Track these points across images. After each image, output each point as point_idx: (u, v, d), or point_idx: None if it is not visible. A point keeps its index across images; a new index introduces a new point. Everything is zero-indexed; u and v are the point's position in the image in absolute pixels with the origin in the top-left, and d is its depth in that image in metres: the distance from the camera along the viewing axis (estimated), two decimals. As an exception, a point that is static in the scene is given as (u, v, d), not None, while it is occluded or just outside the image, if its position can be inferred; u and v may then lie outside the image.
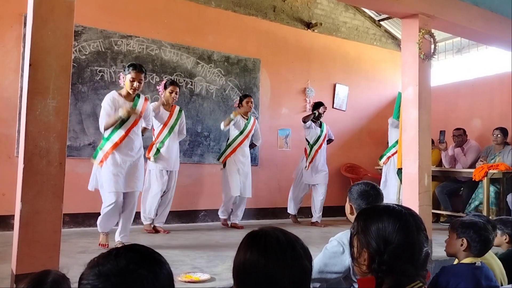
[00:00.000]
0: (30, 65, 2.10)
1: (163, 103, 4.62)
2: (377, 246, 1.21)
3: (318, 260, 2.10)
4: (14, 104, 4.40)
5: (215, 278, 2.85)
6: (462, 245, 2.05)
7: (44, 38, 2.13)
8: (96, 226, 4.75)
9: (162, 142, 4.59)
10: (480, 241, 2.01)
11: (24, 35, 4.27)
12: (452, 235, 2.11)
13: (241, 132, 5.17)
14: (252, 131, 5.30)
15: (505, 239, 2.65)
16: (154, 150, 4.57)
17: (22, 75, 4.23)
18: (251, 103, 5.24)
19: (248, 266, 1.11)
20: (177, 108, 4.78)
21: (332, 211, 6.19)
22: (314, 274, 2.04)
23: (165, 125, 4.61)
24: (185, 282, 2.73)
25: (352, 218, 2.17)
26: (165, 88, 4.63)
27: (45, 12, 2.14)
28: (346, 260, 2.04)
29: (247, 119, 5.24)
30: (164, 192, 4.63)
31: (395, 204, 1.33)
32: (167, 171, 4.63)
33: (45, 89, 2.11)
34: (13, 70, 4.47)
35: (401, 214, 1.25)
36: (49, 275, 1.24)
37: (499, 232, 2.61)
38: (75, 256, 3.27)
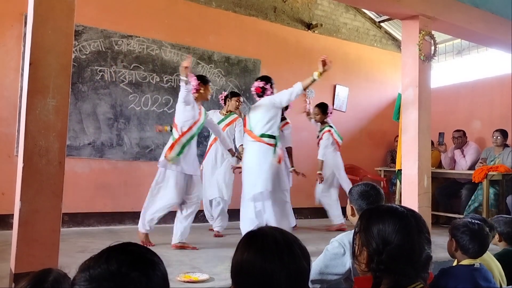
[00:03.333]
0: (30, 64, 2.11)
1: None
2: (376, 245, 1.22)
3: (319, 262, 2.10)
4: (14, 103, 4.40)
5: (214, 278, 2.85)
6: (453, 246, 2.05)
7: (44, 37, 2.13)
8: (96, 225, 4.78)
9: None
10: (471, 241, 2.00)
11: (25, 34, 4.27)
12: (449, 237, 2.12)
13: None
14: (226, 129, 4.84)
15: (497, 238, 2.65)
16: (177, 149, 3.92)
17: (22, 74, 4.23)
18: (240, 103, 4.95)
19: (245, 266, 1.11)
20: (203, 109, 4.21)
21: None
22: (315, 275, 2.05)
23: (195, 123, 4.05)
24: (184, 282, 2.73)
25: (353, 219, 2.17)
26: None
27: (46, 11, 2.14)
28: (347, 261, 2.04)
29: (224, 115, 4.97)
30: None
31: (399, 205, 1.33)
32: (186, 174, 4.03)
33: (45, 88, 2.12)
34: (13, 69, 4.47)
35: (402, 215, 1.25)
36: (50, 274, 1.23)
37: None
38: (74, 255, 3.26)
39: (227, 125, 4.94)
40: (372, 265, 1.23)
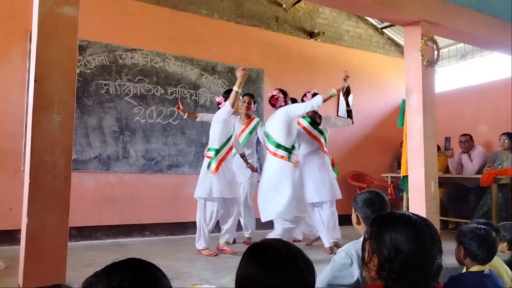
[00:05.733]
0: (35, 80, 2.12)
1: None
2: (388, 253, 1.20)
3: (326, 273, 2.07)
4: (21, 119, 4.44)
5: (222, 290, 2.84)
6: (461, 253, 2.03)
7: (49, 53, 2.15)
8: (103, 239, 4.79)
9: None
10: (479, 248, 1.98)
11: (30, 51, 4.32)
12: (456, 244, 2.09)
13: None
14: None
15: (506, 246, 2.61)
16: None
17: (28, 91, 4.26)
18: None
19: (249, 279, 1.11)
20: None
21: (339, 220, 6.15)
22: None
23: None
24: (192, 294, 2.72)
25: (358, 227, 2.15)
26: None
27: (50, 28, 2.17)
28: (355, 272, 2.01)
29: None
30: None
31: (411, 213, 1.31)
32: None
33: (50, 104, 2.13)
34: (19, 85, 4.52)
35: (416, 223, 1.23)
36: None
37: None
38: (82, 269, 3.26)
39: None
40: (383, 273, 1.21)
